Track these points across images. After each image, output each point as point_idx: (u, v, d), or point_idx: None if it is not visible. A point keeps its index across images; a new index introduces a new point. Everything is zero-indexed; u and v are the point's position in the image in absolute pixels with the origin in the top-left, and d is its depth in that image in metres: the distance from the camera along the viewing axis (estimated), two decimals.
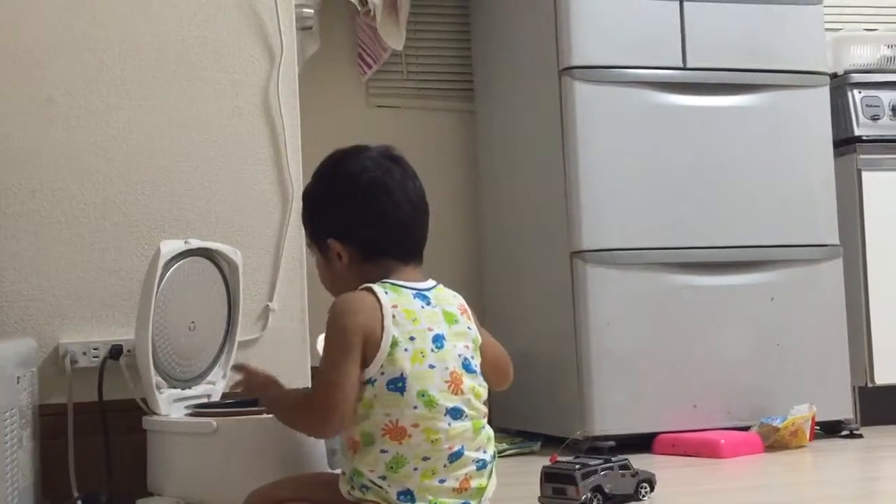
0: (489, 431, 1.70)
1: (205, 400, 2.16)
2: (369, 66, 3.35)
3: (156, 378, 2.01)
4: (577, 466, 1.95)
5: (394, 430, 1.60)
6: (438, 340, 1.65)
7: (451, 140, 3.44)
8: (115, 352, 2.17)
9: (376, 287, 1.66)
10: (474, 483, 1.64)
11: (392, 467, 1.59)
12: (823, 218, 2.95)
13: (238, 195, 2.37)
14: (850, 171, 3.11)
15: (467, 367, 1.68)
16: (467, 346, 1.70)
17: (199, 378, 2.18)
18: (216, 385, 2.21)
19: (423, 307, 1.67)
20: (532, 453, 2.78)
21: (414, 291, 1.69)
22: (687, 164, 2.84)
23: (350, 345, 1.60)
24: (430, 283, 1.75)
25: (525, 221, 3.04)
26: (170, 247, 2.03)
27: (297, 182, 2.40)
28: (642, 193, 2.80)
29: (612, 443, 2.66)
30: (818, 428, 2.83)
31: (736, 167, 2.88)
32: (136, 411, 2.07)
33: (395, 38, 3.25)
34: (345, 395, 1.59)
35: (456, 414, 1.63)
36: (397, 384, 1.60)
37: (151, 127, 2.34)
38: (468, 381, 1.67)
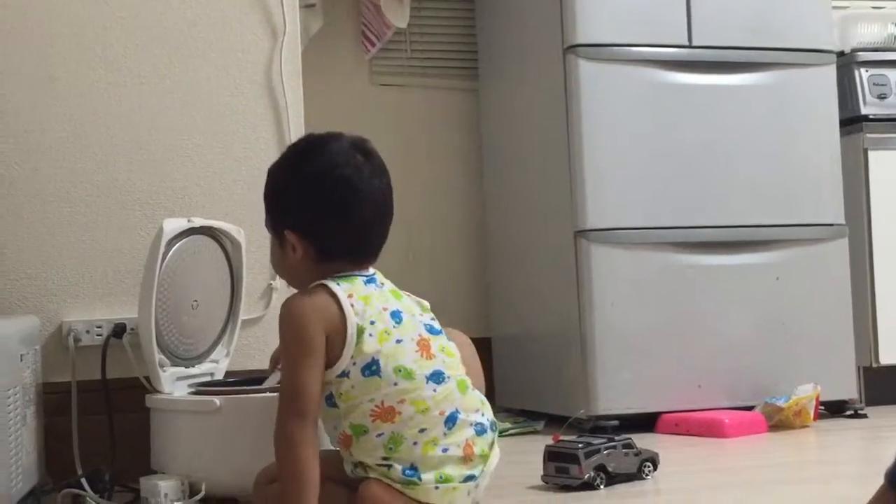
0: (480, 396, 1.71)
1: (208, 378, 2.16)
2: (373, 44, 3.33)
3: (159, 356, 2.01)
4: (580, 445, 1.95)
5: (382, 413, 1.61)
6: (396, 316, 1.68)
7: (455, 118, 3.43)
8: (119, 330, 2.17)
9: (328, 282, 1.67)
10: (477, 449, 1.65)
11: (391, 448, 1.60)
12: (829, 197, 2.93)
13: (241, 173, 2.37)
14: (856, 151, 3.09)
15: (430, 330, 1.71)
16: (422, 314, 1.73)
17: (203, 356, 2.18)
18: (219, 363, 2.21)
19: (374, 290, 1.70)
20: (535, 433, 2.79)
21: (364, 278, 1.72)
22: (692, 142, 2.83)
23: (311, 349, 1.61)
24: (372, 271, 1.76)
25: (529, 200, 3.04)
26: (173, 225, 2.03)
27: None
28: (647, 172, 2.78)
29: (615, 422, 2.66)
30: (822, 408, 2.83)
31: (741, 146, 2.87)
32: (139, 389, 2.08)
33: (399, 16, 3.24)
34: (311, 399, 1.61)
35: (437, 378, 1.65)
36: (371, 368, 1.62)
37: (154, 105, 2.33)
38: (435, 343, 1.70)
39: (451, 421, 1.63)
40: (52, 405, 2.15)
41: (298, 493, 1.57)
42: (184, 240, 2.07)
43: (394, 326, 1.65)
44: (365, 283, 1.70)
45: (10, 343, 1.82)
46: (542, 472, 1.99)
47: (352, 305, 1.64)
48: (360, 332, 1.62)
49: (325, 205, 1.71)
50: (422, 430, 1.61)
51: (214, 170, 2.35)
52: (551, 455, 1.98)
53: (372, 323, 1.64)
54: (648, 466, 2.03)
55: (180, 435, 1.98)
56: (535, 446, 2.15)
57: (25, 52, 2.27)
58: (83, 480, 1.96)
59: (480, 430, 1.67)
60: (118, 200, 2.30)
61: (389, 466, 1.60)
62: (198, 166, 2.35)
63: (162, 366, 2.03)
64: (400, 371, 1.62)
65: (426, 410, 1.61)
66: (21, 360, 1.90)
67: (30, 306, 2.23)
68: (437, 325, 1.74)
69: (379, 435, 1.60)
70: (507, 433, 2.72)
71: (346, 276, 1.69)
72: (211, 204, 2.33)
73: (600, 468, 1.95)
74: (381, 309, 1.67)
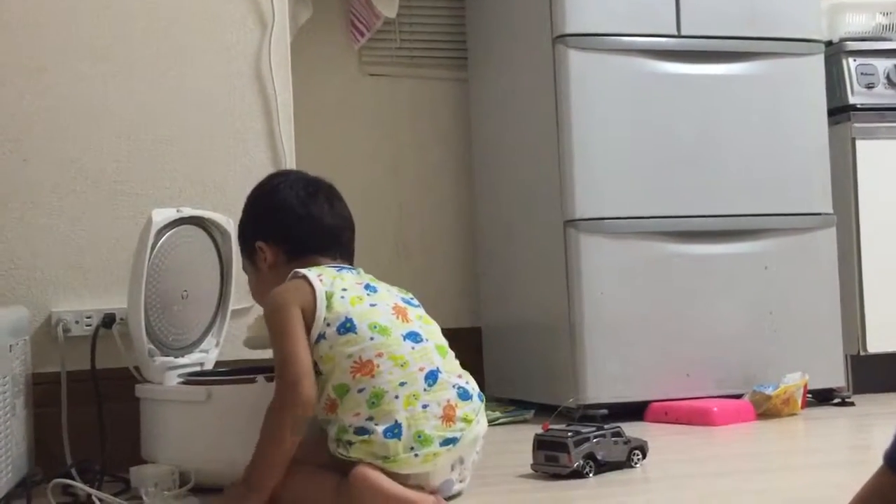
0: (465, 373, 1.76)
1: (198, 368, 2.16)
2: (362, 34, 3.32)
3: (149, 346, 2.02)
4: (569, 434, 1.96)
5: (361, 366, 1.67)
6: (370, 287, 1.78)
7: (445, 108, 3.43)
8: (108, 320, 2.17)
9: (298, 269, 1.78)
10: (459, 412, 1.68)
11: (374, 403, 1.64)
12: (817, 186, 2.94)
13: (230, 163, 2.36)
14: (844, 140, 3.10)
15: (408, 302, 1.81)
16: (399, 293, 1.83)
17: (193, 346, 2.18)
18: (209, 353, 2.21)
19: (347, 272, 1.80)
20: (525, 422, 2.79)
21: (337, 267, 1.82)
22: (681, 132, 2.83)
23: (290, 321, 1.70)
24: (351, 266, 1.88)
25: (519, 190, 3.04)
26: (162, 215, 2.03)
27: (290, 150, 2.40)
28: (636, 162, 2.79)
29: (604, 411, 2.67)
30: (810, 396, 2.84)
31: (730, 135, 2.87)
32: (129, 380, 2.08)
33: (388, 6, 3.23)
34: (303, 364, 1.67)
35: (414, 337, 1.73)
36: (346, 325, 1.70)
37: (143, 96, 2.33)
38: (413, 312, 1.79)
39: (431, 378, 1.68)
40: (41, 396, 2.15)
41: (268, 469, 1.66)
42: (173, 230, 2.07)
43: (367, 294, 1.75)
44: (337, 270, 1.80)
45: None
46: (531, 461, 2.00)
47: (321, 280, 1.74)
48: (330, 296, 1.71)
49: (287, 210, 1.86)
50: (402, 384, 1.66)
51: (203, 159, 2.35)
52: (541, 443, 1.98)
53: (343, 290, 1.73)
54: (637, 455, 2.04)
55: (170, 424, 1.99)
56: (525, 435, 2.16)
57: (14, 42, 2.26)
58: (73, 471, 1.96)
59: (463, 395, 1.70)
60: (107, 191, 2.30)
61: (371, 432, 1.61)
62: (187, 156, 2.35)
63: (152, 356, 2.03)
64: (375, 327, 1.70)
65: (405, 365, 1.67)
66: (10, 350, 1.90)
67: (19, 297, 2.22)
68: (415, 301, 1.82)
69: (360, 390, 1.65)
70: (496, 422, 2.72)
71: (316, 266, 1.80)
72: (200, 194, 2.33)
73: (589, 456, 1.96)
74: (354, 283, 1.77)
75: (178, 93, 2.35)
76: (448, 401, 1.68)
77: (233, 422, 1.85)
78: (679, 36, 2.84)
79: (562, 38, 2.77)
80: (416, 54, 3.43)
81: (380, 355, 1.67)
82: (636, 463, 2.04)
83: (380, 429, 1.63)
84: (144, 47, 2.33)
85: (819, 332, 2.91)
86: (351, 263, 1.89)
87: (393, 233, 3.32)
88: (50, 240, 2.26)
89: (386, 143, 3.37)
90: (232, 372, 2.09)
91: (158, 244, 2.02)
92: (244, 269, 1.98)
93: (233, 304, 2.26)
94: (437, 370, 1.69)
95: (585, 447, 1.95)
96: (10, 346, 1.91)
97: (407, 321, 1.74)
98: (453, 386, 1.70)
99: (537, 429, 2.05)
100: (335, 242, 1.88)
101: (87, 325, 2.22)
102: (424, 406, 1.65)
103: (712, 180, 2.85)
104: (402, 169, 3.36)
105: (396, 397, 1.65)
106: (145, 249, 1.98)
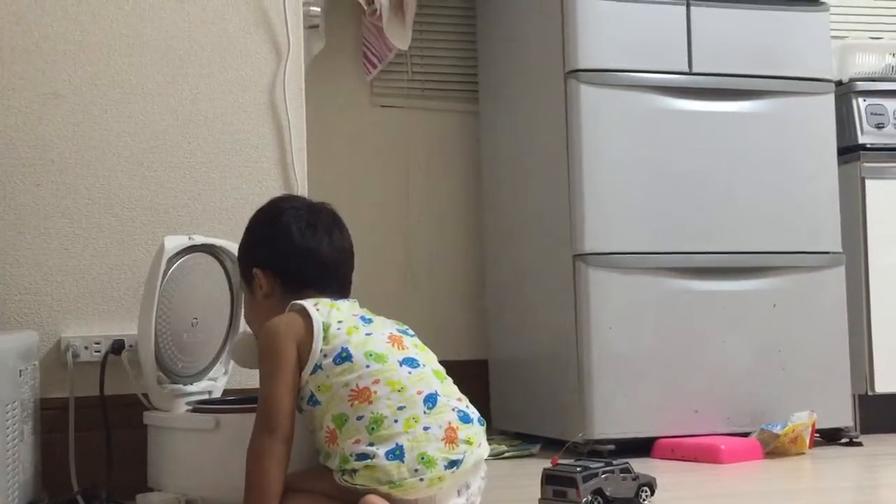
0: (464, 398, 1.76)
1: (206, 396, 2.16)
2: (374, 66, 3.34)
3: (157, 373, 2.02)
4: (578, 469, 1.95)
5: (359, 394, 1.67)
6: (365, 319, 1.79)
7: (455, 141, 3.44)
8: (117, 346, 2.17)
9: (297, 302, 1.78)
10: (462, 434, 1.67)
11: (373, 429, 1.64)
12: (826, 225, 2.95)
13: (243, 192, 2.37)
14: (853, 179, 3.11)
15: (403, 332, 1.81)
16: (395, 325, 1.82)
17: (201, 374, 2.18)
18: (217, 381, 2.21)
19: (342, 304, 1.80)
20: (531, 455, 2.78)
21: (332, 298, 1.82)
22: (691, 168, 2.84)
23: (282, 361, 1.71)
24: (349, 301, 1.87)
25: (528, 223, 3.04)
26: (173, 242, 2.03)
27: (302, 180, 2.40)
28: (646, 197, 2.80)
29: (611, 446, 2.66)
30: (818, 435, 2.83)
31: (740, 173, 2.88)
32: (137, 406, 2.08)
33: (400, 38, 3.25)
34: (282, 413, 1.69)
35: (411, 363, 1.73)
36: (342, 355, 1.70)
37: (157, 123, 2.34)
38: (408, 340, 1.79)
39: (430, 401, 1.68)
40: (49, 421, 2.15)
41: (259, 498, 1.66)
42: (184, 257, 2.07)
43: (363, 325, 1.76)
44: (333, 300, 1.80)
45: (8, 358, 1.82)
46: (538, 496, 1.99)
47: (317, 309, 1.75)
48: (326, 328, 1.72)
49: (286, 240, 1.85)
50: (401, 408, 1.66)
51: (216, 188, 2.36)
52: (549, 478, 1.97)
53: (339, 321, 1.74)
54: (646, 491, 2.03)
55: (178, 452, 1.98)
56: (531, 469, 2.15)
57: (30, 68, 2.28)
58: (79, 497, 1.96)
59: (464, 418, 1.70)
60: (119, 217, 2.30)
61: (373, 457, 1.61)
62: (199, 184, 2.35)
63: (160, 383, 2.03)
64: (371, 355, 1.70)
65: (402, 389, 1.67)
66: (20, 375, 1.90)
67: (29, 321, 2.23)
68: (411, 332, 1.83)
69: (359, 417, 1.65)
70: (502, 456, 2.71)
71: (314, 299, 1.80)
72: (212, 222, 2.34)
73: (598, 492, 1.94)
74: (351, 314, 1.78)
75: (192, 121, 2.36)
76: (449, 423, 1.67)
77: (241, 450, 1.83)
78: (690, 73, 2.86)
79: (574, 73, 2.78)
80: (427, 87, 3.44)
81: (376, 382, 1.67)
82: (644, 500, 2.02)
83: (381, 451, 1.62)
84: (159, 75, 2.34)
85: (827, 371, 2.90)
86: (347, 296, 1.88)
87: (401, 263, 3.32)
88: (61, 265, 2.26)
89: (396, 174, 3.38)
90: (240, 400, 2.08)
91: (170, 271, 2.02)
92: (240, 288, 1.98)
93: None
94: (436, 393, 1.69)
95: (594, 483, 1.94)
96: (20, 370, 1.91)
97: (403, 348, 1.74)
98: (453, 409, 1.70)
99: (543, 463, 2.04)
100: (332, 277, 1.87)
101: (97, 351, 2.22)
102: (426, 428, 1.65)
103: (722, 217, 2.85)
104: (412, 200, 3.37)
105: (396, 421, 1.65)
106: (157, 276, 1.98)
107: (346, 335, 1.71)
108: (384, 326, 1.79)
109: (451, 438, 1.66)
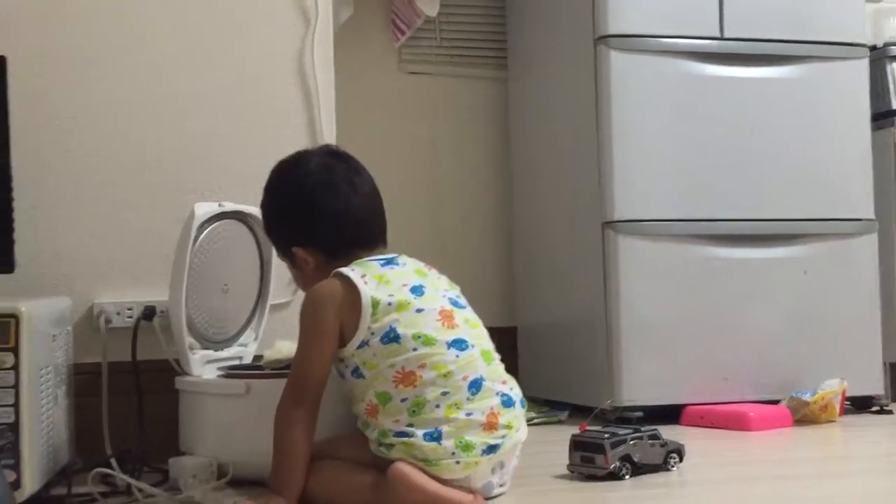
0: (510, 377, 1.75)
1: (237, 362, 2.18)
2: (402, 32, 3.33)
3: (189, 339, 2.03)
4: (606, 435, 1.95)
5: (404, 377, 1.66)
6: (417, 290, 1.73)
7: (483, 108, 3.43)
8: (149, 313, 2.19)
9: (341, 269, 1.74)
10: (502, 419, 1.67)
11: (414, 411, 1.64)
12: (859, 192, 2.92)
13: (272, 159, 2.35)
14: (887, 145, 3.07)
15: (455, 303, 1.76)
16: (447, 289, 1.79)
17: (232, 340, 2.20)
18: (248, 347, 2.23)
19: (391, 269, 1.75)
20: (559, 422, 2.79)
21: (381, 261, 1.77)
22: (722, 135, 2.82)
23: (321, 332, 1.69)
24: (394, 254, 1.82)
25: (557, 191, 3.03)
26: (204, 209, 2.04)
27: None
28: (675, 164, 2.78)
29: (639, 413, 2.66)
30: (848, 403, 2.82)
31: (771, 139, 2.85)
32: (168, 371, 2.10)
33: (429, 4, 3.24)
34: (313, 384, 1.69)
35: (459, 345, 1.69)
36: (390, 336, 1.67)
37: (187, 89, 2.35)
38: (459, 315, 1.74)
39: (475, 386, 1.66)
40: (82, 386, 2.17)
41: (288, 466, 1.68)
42: (215, 224, 2.08)
43: (414, 298, 1.71)
44: (381, 266, 1.76)
45: (42, 323, 1.84)
46: (567, 462, 2.00)
47: (365, 283, 1.71)
48: (376, 303, 1.68)
49: (314, 213, 1.81)
50: (444, 394, 1.64)
51: (246, 154, 2.36)
52: (577, 444, 1.98)
53: (390, 295, 1.69)
54: (674, 458, 2.03)
55: (209, 417, 2.00)
56: (559, 436, 2.15)
57: (62, 34, 2.28)
58: (112, 460, 1.98)
59: (507, 402, 1.69)
60: (149, 183, 2.32)
61: (411, 435, 1.61)
62: (229, 151, 2.36)
63: (191, 348, 2.05)
64: (419, 338, 1.67)
65: (448, 374, 1.65)
66: (53, 340, 1.92)
67: (62, 287, 2.25)
68: (462, 300, 1.78)
69: (403, 399, 1.65)
70: (531, 422, 2.70)
71: (359, 262, 1.76)
72: (241, 188, 2.34)
73: (626, 458, 1.95)
74: (401, 285, 1.72)
75: (222, 87, 2.36)
76: (491, 408, 1.67)
77: (271, 416, 1.85)
78: (722, 38, 2.83)
79: (603, 39, 2.76)
80: (455, 53, 3.43)
81: (422, 366, 1.65)
82: (673, 466, 2.03)
83: (420, 433, 1.63)
84: (188, 42, 2.35)
85: (858, 339, 2.88)
86: (385, 243, 1.85)
87: (430, 230, 3.32)
88: (93, 231, 2.28)
89: (424, 141, 3.38)
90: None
91: (200, 238, 2.04)
92: (280, 257, 1.95)
93: (272, 299, 2.27)
94: (481, 378, 1.68)
95: (622, 449, 1.95)
96: (53, 336, 1.93)
97: (453, 327, 1.70)
98: (497, 393, 1.69)
99: (572, 429, 2.05)
100: (371, 228, 1.84)
101: (129, 317, 2.24)
102: (468, 414, 1.65)
103: (752, 184, 2.83)
104: (441, 166, 3.37)
105: (438, 406, 1.64)
106: (187, 243, 1.99)
107: (396, 313, 1.68)
108: (435, 297, 1.73)
109: (491, 424, 1.66)
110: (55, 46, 2.28)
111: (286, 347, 2.05)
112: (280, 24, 2.40)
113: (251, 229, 2.19)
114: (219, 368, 2.09)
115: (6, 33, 2.24)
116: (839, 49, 2.91)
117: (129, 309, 2.25)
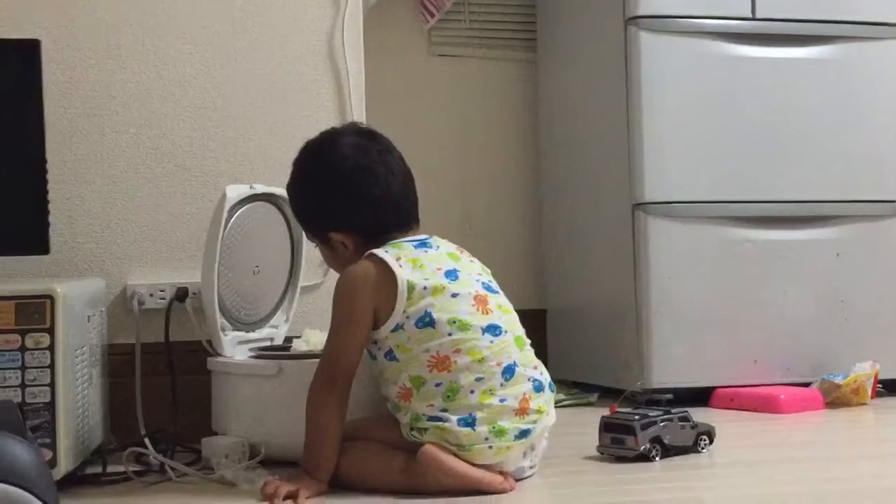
0: (539, 362, 1.76)
1: (268, 343, 2.19)
2: (432, 15, 3.33)
3: (221, 320, 2.05)
4: (636, 417, 1.96)
5: (439, 362, 1.66)
6: (451, 274, 1.72)
7: (513, 89, 3.42)
8: (181, 294, 2.21)
9: (376, 251, 1.73)
10: (533, 404, 1.68)
11: (449, 396, 1.64)
12: (891, 173, 2.89)
13: (303, 141, 2.38)
14: None
15: (489, 288, 1.76)
16: (480, 273, 1.78)
17: (263, 321, 2.21)
18: (279, 329, 2.24)
19: (426, 252, 1.74)
20: (589, 404, 2.79)
21: (414, 243, 1.77)
22: (753, 116, 2.80)
23: (354, 315, 1.69)
24: (426, 235, 1.81)
25: (587, 172, 3.03)
26: (235, 191, 2.06)
27: None
28: (707, 146, 2.76)
29: (669, 395, 2.66)
30: (880, 386, 2.80)
31: (803, 120, 2.83)
32: (201, 352, 2.12)
33: None
34: (344, 367, 1.69)
35: (493, 331, 1.69)
36: (425, 320, 1.67)
37: (218, 72, 2.36)
38: (493, 300, 1.74)
39: (508, 372, 1.67)
40: (116, 366, 2.20)
41: (320, 448, 1.68)
42: (246, 206, 2.09)
43: (449, 282, 1.70)
44: (415, 247, 1.75)
45: (77, 304, 1.86)
46: (597, 443, 2.00)
47: (400, 266, 1.70)
48: (411, 288, 1.68)
49: (351, 198, 1.79)
50: (478, 379, 1.65)
51: (277, 137, 2.37)
52: (607, 426, 1.98)
53: (425, 279, 1.69)
54: (704, 440, 2.03)
55: (241, 398, 2.02)
56: (589, 418, 2.16)
57: (94, 18, 2.30)
58: (146, 440, 2.00)
59: (538, 387, 1.70)
60: (182, 165, 2.33)
61: (445, 420, 1.62)
62: (260, 133, 2.37)
63: (224, 330, 2.06)
64: (454, 322, 1.67)
65: (482, 360, 1.65)
66: (88, 321, 1.95)
67: (96, 269, 2.27)
68: (495, 285, 1.78)
69: (437, 384, 1.65)
70: (560, 404, 2.72)
71: (394, 244, 1.76)
72: (272, 171, 2.36)
73: (656, 440, 1.95)
74: (435, 269, 1.72)
75: (252, 70, 2.37)
76: (524, 394, 1.68)
77: (302, 396, 1.87)
78: (753, 18, 2.81)
79: (634, 20, 2.74)
80: (485, 35, 3.42)
81: (457, 351, 1.66)
82: (703, 448, 2.03)
83: (454, 418, 1.64)
84: (219, 25, 2.36)
85: (891, 321, 2.86)
86: (418, 221, 1.84)
87: (459, 212, 3.32)
88: (126, 213, 2.30)
89: (454, 123, 3.37)
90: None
91: (232, 220, 2.05)
92: (310, 240, 1.95)
93: (302, 281, 2.29)
94: (514, 364, 1.69)
95: (652, 431, 1.95)
96: (88, 316, 1.95)
97: (487, 313, 1.71)
98: (529, 379, 1.70)
99: (601, 411, 2.05)
100: (406, 210, 1.82)
101: (161, 299, 2.26)
102: (502, 400, 1.66)
103: (784, 165, 2.81)
104: (470, 149, 3.36)
105: (472, 392, 1.65)
106: (219, 225, 2.01)
107: (432, 298, 1.68)
108: (469, 281, 1.73)
109: (523, 409, 1.67)
110: (86, 31, 2.29)
111: (315, 337, 2.06)
112: (310, 6, 2.40)
113: (282, 211, 2.20)
114: (251, 349, 2.11)
115: (39, 18, 2.26)
116: (873, 29, 2.88)
117: (162, 290, 2.27)
